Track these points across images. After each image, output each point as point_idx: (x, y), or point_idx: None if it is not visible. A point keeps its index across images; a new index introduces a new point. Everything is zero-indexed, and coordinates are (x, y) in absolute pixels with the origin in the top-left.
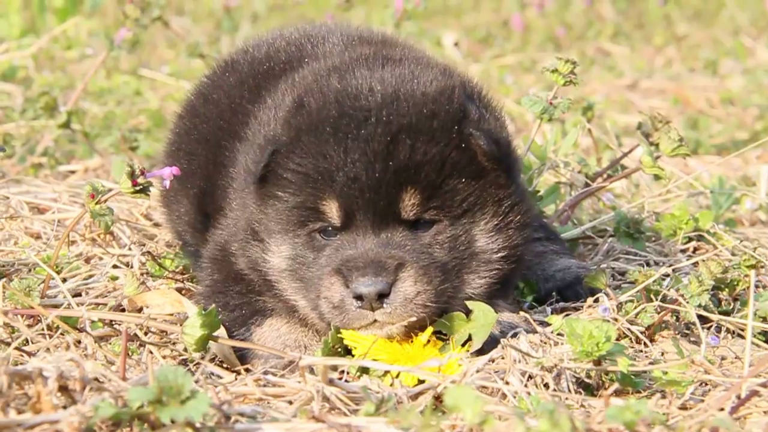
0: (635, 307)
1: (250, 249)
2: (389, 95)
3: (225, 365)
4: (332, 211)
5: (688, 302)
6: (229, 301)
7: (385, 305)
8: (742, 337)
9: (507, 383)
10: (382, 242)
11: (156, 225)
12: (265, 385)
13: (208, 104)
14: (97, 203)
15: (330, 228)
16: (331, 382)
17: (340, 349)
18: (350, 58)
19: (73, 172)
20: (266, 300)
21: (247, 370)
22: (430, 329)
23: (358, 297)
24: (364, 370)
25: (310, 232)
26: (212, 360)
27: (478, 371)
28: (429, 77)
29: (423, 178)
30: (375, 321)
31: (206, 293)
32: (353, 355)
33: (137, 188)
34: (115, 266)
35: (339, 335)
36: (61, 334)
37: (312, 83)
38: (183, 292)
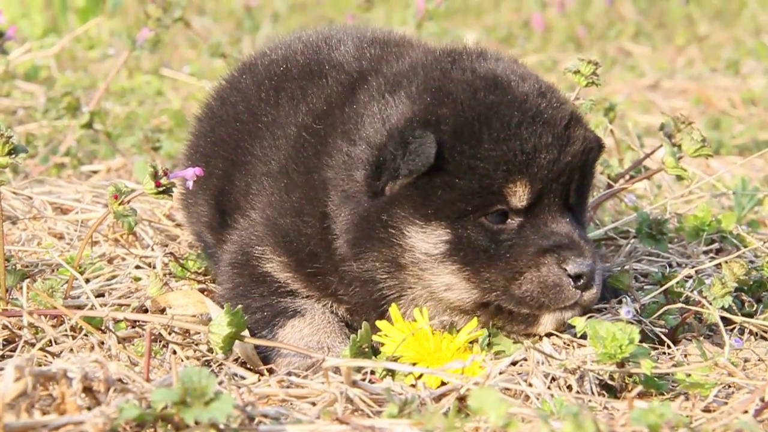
0: (658, 309)
1: (364, 243)
2: (543, 83)
3: (248, 366)
4: (520, 193)
5: (711, 304)
6: (251, 303)
7: (594, 287)
8: (766, 339)
9: (530, 385)
10: (572, 225)
11: (178, 226)
12: (288, 386)
13: (225, 106)
14: (120, 204)
15: (507, 211)
16: (354, 384)
17: (367, 349)
18: (441, 53)
19: (95, 172)
20: (288, 301)
21: (270, 371)
22: (469, 332)
23: (577, 276)
24: (390, 371)
25: (479, 217)
26: (235, 360)
27: (501, 373)
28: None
29: (587, 164)
30: (576, 303)
31: (228, 295)
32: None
33: (160, 189)
34: (137, 267)
35: (369, 334)
36: (85, 335)
37: (443, 74)
38: (205, 293)
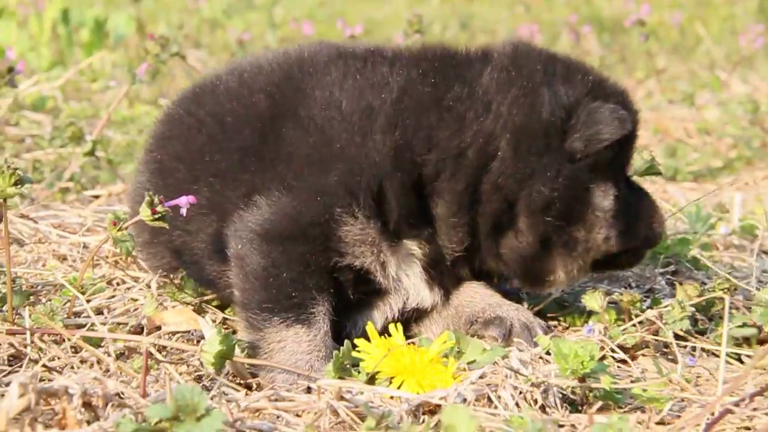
0: (618, 327)
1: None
2: None
3: (239, 380)
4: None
5: (668, 325)
6: (281, 286)
7: None
8: (717, 356)
9: (499, 397)
10: None
11: None
12: (276, 400)
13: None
14: (118, 230)
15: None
16: (340, 398)
17: (348, 365)
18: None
19: (97, 196)
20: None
21: (259, 385)
22: (443, 345)
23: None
24: (372, 381)
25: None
26: (226, 374)
27: (472, 383)
28: None
29: None
30: None
31: (260, 275)
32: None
33: (156, 216)
34: (134, 287)
35: (350, 350)
36: (85, 351)
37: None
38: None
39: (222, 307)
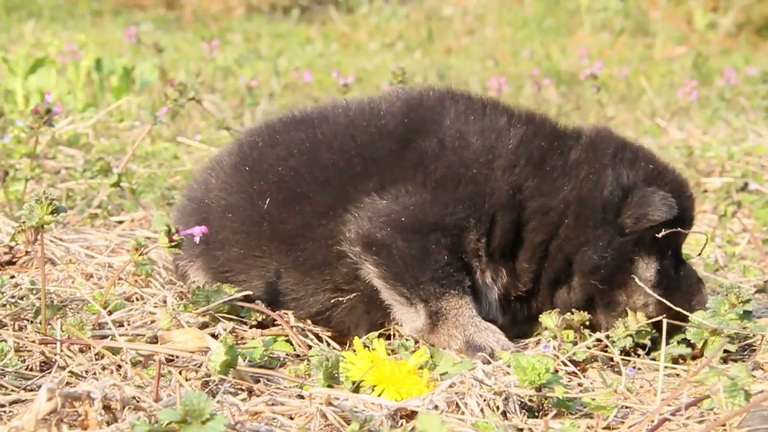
0: (569, 342)
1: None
2: None
3: (242, 386)
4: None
5: (614, 342)
6: (423, 272)
7: None
8: (656, 369)
9: (466, 404)
10: None
11: None
12: (273, 404)
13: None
14: (140, 255)
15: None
16: (329, 403)
17: (336, 374)
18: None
19: (121, 222)
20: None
21: (259, 389)
22: (419, 358)
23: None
24: (357, 389)
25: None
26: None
27: (443, 392)
28: None
29: None
30: None
31: (410, 262)
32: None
33: (173, 244)
34: (153, 304)
35: (338, 361)
36: (106, 359)
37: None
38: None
39: (231, 318)
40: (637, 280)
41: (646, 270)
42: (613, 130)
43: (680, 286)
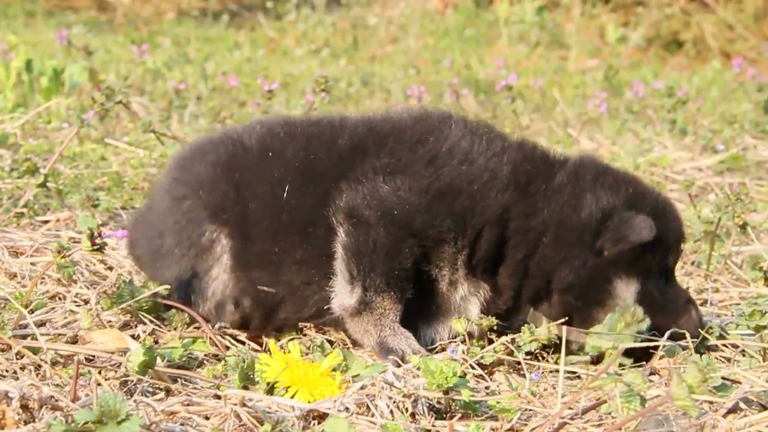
0: (478, 346)
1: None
2: None
3: (160, 386)
4: (673, 261)
5: (519, 347)
6: (382, 264)
7: None
8: (558, 372)
9: (376, 406)
10: None
11: (110, 268)
12: (188, 405)
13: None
14: (62, 257)
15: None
16: (243, 404)
17: (251, 375)
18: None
19: (47, 222)
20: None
21: (176, 390)
22: (332, 360)
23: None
24: (271, 391)
25: (655, 276)
26: (148, 381)
27: (353, 393)
28: None
29: None
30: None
31: (378, 250)
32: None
33: (95, 247)
34: (74, 302)
35: (254, 362)
36: (26, 359)
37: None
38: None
39: (155, 316)
40: (614, 299)
41: (626, 290)
42: (597, 158)
43: (666, 306)
